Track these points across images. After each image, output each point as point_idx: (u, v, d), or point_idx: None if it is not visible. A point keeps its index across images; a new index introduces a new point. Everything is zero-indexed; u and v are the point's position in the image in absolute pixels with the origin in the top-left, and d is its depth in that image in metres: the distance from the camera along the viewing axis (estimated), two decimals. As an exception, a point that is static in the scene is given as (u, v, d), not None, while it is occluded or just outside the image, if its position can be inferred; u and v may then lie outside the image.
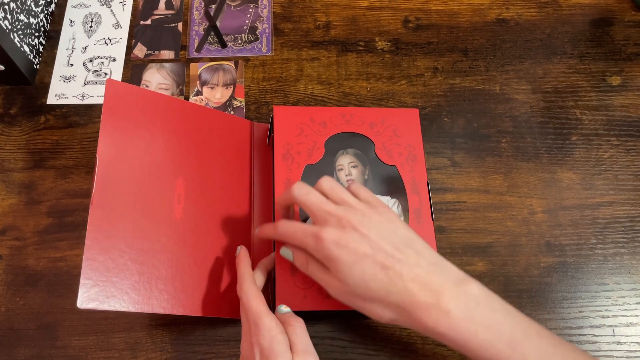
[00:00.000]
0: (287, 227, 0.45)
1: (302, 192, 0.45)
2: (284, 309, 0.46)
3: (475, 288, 0.40)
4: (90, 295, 0.43)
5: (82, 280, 0.42)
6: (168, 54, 0.66)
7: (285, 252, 0.47)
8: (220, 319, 0.52)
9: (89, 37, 0.67)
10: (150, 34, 0.67)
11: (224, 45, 0.66)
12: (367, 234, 0.42)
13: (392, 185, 0.53)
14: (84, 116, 0.62)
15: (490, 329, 0.39)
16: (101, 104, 0.62)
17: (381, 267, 0.41)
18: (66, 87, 0.64)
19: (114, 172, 0.47)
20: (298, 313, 0.45)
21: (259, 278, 0.48)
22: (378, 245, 0.42)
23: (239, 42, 0.66)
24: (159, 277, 0.47)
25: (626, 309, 0.52)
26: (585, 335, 0.51)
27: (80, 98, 0.63)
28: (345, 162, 0.54)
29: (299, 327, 0.43)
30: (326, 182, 0.46)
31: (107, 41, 0.66)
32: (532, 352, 0.39)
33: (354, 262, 0.41)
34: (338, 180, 0.53)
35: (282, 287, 0.48)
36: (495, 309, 0.40)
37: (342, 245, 0.42)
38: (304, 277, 0.48)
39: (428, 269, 0.41)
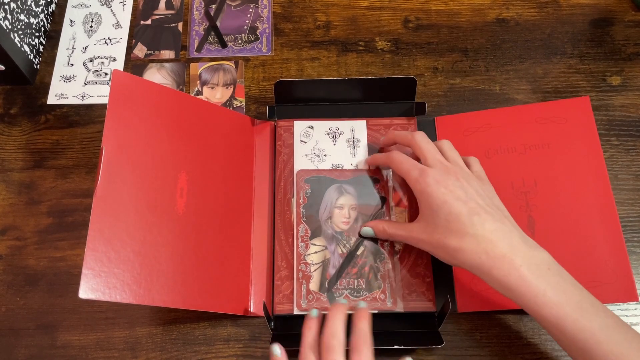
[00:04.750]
0: (398, 156, 0.50)
1: (423, 139, 0.50)
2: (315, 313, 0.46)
3: (547, 256, 0.43)
4: (92, 286, 0.42)
5: (84, 271, 0.42)
6: (168, 54, 0.66)
7: (367, 230, 0.52)
8: (220, 318, 0.52)
9: (89, 37, 0.67)
10: (151, 34, 0.67)
11: (224, 45, 0.66)
12: (466, 185, 0.46)
13: None
14: (84, 116, 0.62)
15: (559, 291, 0.41)
16: (101, 104, 0.63)
17: (468, 211, 0.44)
18: (66, 87, 0.64)
19: (118, 164, 0.47)
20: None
21: None
22: (473, 196, 0.45)
23: (239, 42, 0.66)
24: (160, 270, 0.47)
25: (626, 309, 0.52)
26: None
27: (81, 98, 0.63)
28: None
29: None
30: (445, 143, 0.51)
31: (108, 41, 0.66)
32: (597, 323, 0.40)
33: (445, 201, 0.45)
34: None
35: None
36: (565, 278, 0.43)
37: (442, 184, 0.46)
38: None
39: (511, 229, 0.44)
